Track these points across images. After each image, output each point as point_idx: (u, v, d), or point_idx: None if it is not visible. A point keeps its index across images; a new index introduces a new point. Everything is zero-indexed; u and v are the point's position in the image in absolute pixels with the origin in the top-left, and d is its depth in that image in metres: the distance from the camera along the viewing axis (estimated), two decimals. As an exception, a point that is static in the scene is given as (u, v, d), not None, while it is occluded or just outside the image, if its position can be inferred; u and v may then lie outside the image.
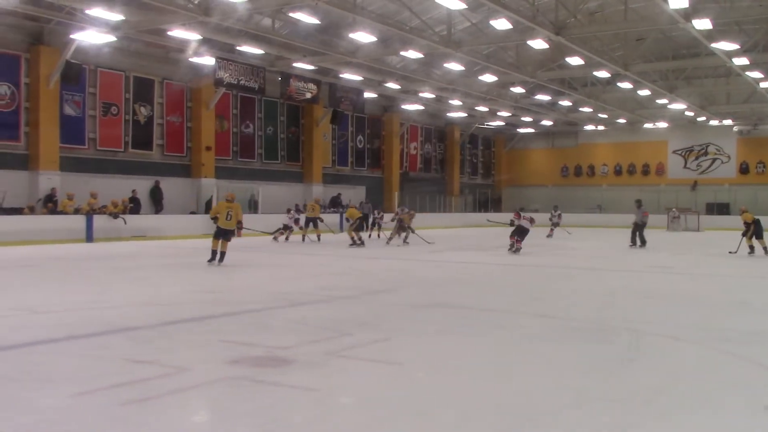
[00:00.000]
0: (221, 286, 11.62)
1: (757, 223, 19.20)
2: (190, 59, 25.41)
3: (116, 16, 19.96)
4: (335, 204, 33.25)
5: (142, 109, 26.29)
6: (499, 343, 7.26)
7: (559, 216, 28.98)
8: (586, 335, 7.68)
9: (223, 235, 14.78)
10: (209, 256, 14.78)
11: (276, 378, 5.53)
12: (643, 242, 22.06)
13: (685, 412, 4.90)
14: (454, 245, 22.38)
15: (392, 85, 32.25)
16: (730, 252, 19.52)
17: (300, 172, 33.33)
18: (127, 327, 7.66)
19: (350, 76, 29.96)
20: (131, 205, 24.29)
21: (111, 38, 22.09)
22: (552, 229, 28.43)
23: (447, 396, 5.21)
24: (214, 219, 14.94)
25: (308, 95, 30.41)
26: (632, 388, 5.49)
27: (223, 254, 14.71)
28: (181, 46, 24.39)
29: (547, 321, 8.67)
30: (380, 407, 4.91)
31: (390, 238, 22.42)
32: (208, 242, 14.48)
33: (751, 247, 19.23)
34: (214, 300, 9.87)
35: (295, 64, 27.65)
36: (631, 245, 22.14)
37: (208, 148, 27.92)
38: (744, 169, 42.56)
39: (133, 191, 24.90)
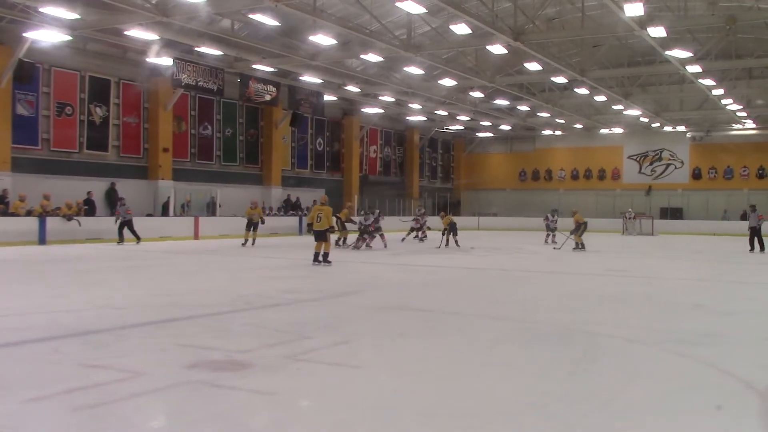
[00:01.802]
0: (180, 290, 11.44)
1: (585, 224, 23.05)
2: (148, 60, 25.06)
3: (72, 15, 19.56)
4: (294, 207, 33.11)
5: (98, 110, 25.82)
6: (461, 346, 7.27)
7: (556, 221, 27.43)
8: (547, 338, 7.74)
9: (318, 237, 15.58)
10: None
11: (234, 382, 5.46)
12: (762, 246, 22.85)
13: (643, 412, 4.95)
14: (416, 248, 22.43)
15: (352, 89, 32.24)
16: (554, 248, 23.35)
17: (259, 175, 33.10)
18: (83, 331, 7.49)
19: (310, 79, 29.86)
20: (86, 207, 23.82)
21: (66, 37, 21.66)
22: (551, 235, 26.83)
23: (408, 399, 5.19)
24: (310, 224, 15.93)
25: (267, 97, 30.21)
26: (591, 390, 5.55)
27: (325, 255, 15.51)
28: (139, 46, 24.04)
29: (509, 324, 8.72)
30: (340, 411, 4.88)
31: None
32: (165, 245, 14.40)
33: (578, 244, 23.00)
34: (172, 303, 9.72)
35: (254, 66, 27.46)
36: (750, 250, 22.77)
37: (166, 150, 27.55)
38: (697, 175, 43.47)
39: (89, 193, 24.38)
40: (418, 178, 45.74)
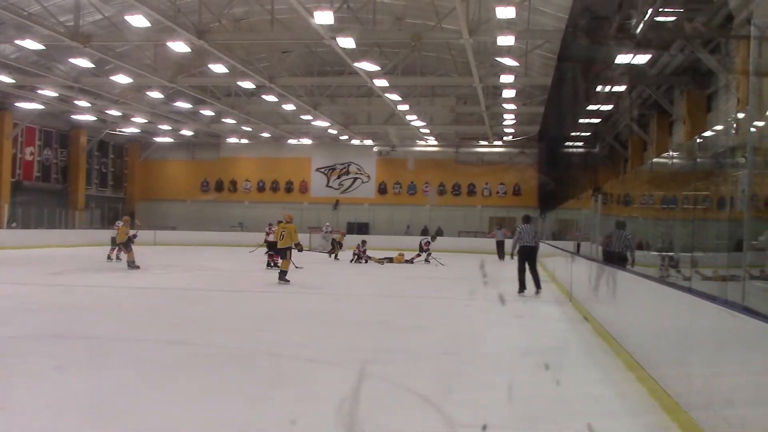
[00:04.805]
0: None
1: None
2: None
3: None
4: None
5: None
6: (133, 377, 7.06)
7: (428, 243, 29.10)
8: (225, 362, 7.82)
9: (279, 254, 17.90)
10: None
11: None
12: (502, 257, 29.79)
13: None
14: (79, 266, 21.21)
15: (4, 79, 29.59)
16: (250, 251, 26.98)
17: None
18: None
19: (-51, 63, 26.91)
20: None
21: None
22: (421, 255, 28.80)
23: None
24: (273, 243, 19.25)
25: None
26: (273, 416, 5.71)
27: (283, 272, 17.18)
28: None
29: (186, 349, 8.64)
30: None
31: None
32: None
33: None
34: None
35: None
36: (500, 259, 30.03)
37: None
38: (382, 189, 46.78)
39: None
40: (84, 186, 43.25)
